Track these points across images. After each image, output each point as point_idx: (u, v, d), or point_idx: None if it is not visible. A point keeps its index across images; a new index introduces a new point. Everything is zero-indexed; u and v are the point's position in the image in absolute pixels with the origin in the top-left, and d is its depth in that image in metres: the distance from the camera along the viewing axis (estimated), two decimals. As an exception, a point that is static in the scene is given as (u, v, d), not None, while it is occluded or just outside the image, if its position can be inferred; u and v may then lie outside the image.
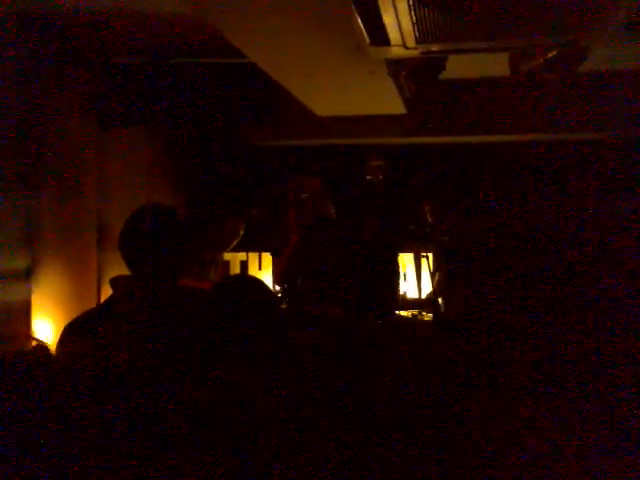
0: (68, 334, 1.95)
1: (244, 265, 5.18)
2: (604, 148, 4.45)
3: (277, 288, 4.42)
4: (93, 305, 3.07)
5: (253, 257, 5.18)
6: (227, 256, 5.02)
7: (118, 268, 2.11)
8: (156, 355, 1.76)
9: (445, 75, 3.38)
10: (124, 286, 2.02)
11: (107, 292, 2.11)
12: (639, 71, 3.89)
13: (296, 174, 3.91)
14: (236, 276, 3.24)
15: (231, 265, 5.09)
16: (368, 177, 4.74)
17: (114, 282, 2.04)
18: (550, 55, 2.79)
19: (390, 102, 3.86)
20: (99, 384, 1.70)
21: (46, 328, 3.03)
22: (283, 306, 3.81)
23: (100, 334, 1.83)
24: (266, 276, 5.03)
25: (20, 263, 2.96)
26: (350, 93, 3.84)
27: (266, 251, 5.04)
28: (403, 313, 4.33)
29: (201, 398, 1.59)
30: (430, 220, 4.27)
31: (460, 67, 3.57)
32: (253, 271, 5.13)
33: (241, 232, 4.14)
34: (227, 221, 4.16)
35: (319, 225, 3.23)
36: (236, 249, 4.88)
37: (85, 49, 3.64)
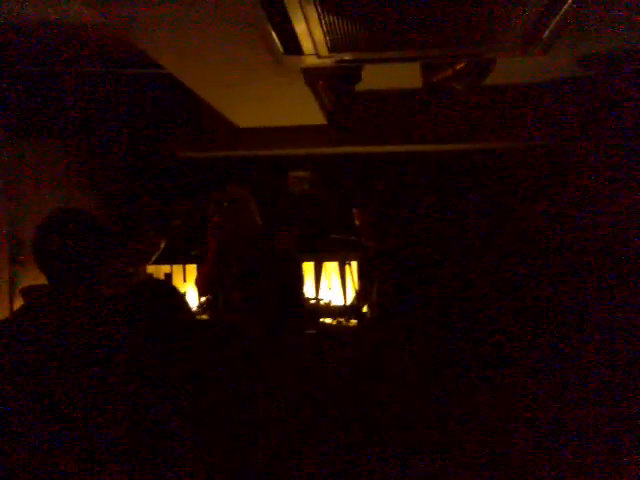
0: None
1: (168, 277, 5.12)
2: (514, 157, 4.66)
3: (202, 300, 4.40)
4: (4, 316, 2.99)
5: (177, 269, 5.13)
6: (150, 268, 4.95)
7: (31, 279, 2.06)
8: (66, 364, 1.73)
9: (362, 86, 3.47)
10: (35, 296, 1.96)
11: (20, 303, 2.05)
12: (541, 83, 4.12)
13: (221, 184, 3.90)
14: (146, 281, 3.21)
15: (155, 277, 5.01)
16: (291, 188, 4.79)
17: (24, 292, 1.99)
18: (459, 66, 2.92)
19: (309, 112, 3.91)
20: (6, 394, 1.67)
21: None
22: (204, 317, 3.80)
23: (7, 344, 1.78)
24: (191, 288, 4.98)
25: None
26: (270, 103, 3.87)
27: (192, 262, 5.00)
28: (328, 320, 4.38)
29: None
30: (357, 227, 4.32)
31: (376, 78, 3.66)
32: (178, 283, 5.07)
33: (162, 244, 4.09)
34: (148, 233, 4.11)
35: (242, 236, 3.25)
36: (160, 261, 4.82)
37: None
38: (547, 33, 2.53)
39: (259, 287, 2.16)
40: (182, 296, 1.91)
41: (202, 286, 3.46)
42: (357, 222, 4.23)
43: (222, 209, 3.30)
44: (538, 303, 4.27)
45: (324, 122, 4.19)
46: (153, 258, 4.16)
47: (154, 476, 1.53)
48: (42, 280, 2.01)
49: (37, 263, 1.96)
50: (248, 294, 2.17)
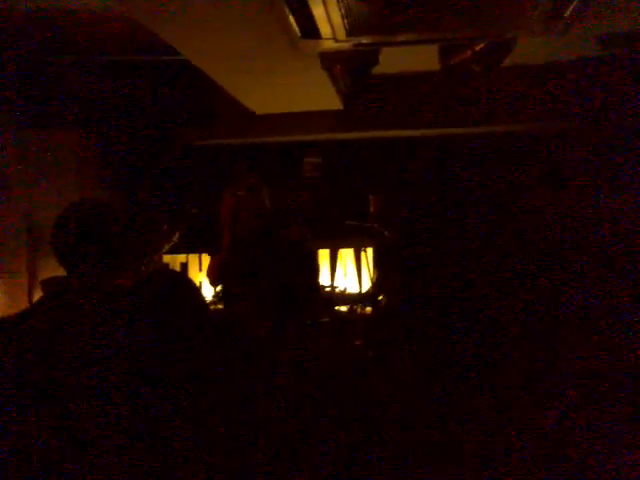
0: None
1: (184, 267, 5.11)
2: (533, 140, 4.58)
3: (218, 289, 4.38)
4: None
5: (193, 258, 5.12)
6: (167, 258, 4.95)
7: (50, 271, 2.05)
8: (85, 358, 1.71)
9: (379, 70, 3.42)
10: (55, 287, 1.95)
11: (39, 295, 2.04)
12: (562, 63, 4.03)
13: (233, 172, 3.89)
14: (162, 271, 3.20)
15: (171, 267, 5.01)
16: (306, 174, 4.75)
17: (44, 283, 1.98)
18: (478, 48, 2.86)
19: (326, 97, 3.87)
20: (21, 388, 1.65)
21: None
22: (220, 306, 3.78)
23: (24, 336, 1.76)
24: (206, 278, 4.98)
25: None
26: (286, 89, 3.84)
27: (205, 251, 4.99)
28: (343, 308, 4.36)
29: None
30: (372, 214, 4.29)
31: (394, 62, 3.61)
32: (194, 273, 5.07)
33: (175, 237, 4.08)
34: (161, 224, 4.09)
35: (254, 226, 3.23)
36: (176, 251, 4.83)
37: (12, 47, 3.54)
38: (569, 11, 2.48)
39: (258, 285, 2.14)
40: (197, 288, 1.89)
41: (213, 276, 3.45)
42: (372, 209, 4.20)
43: (238, 198, 3.28)
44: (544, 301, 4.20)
45: (340, 107, 4.15)
46: (166, 249, 4.14)
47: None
48: (61, 272, 2.00)
49: (56, 255, 1.95)
50: (247, 290, 2.15)
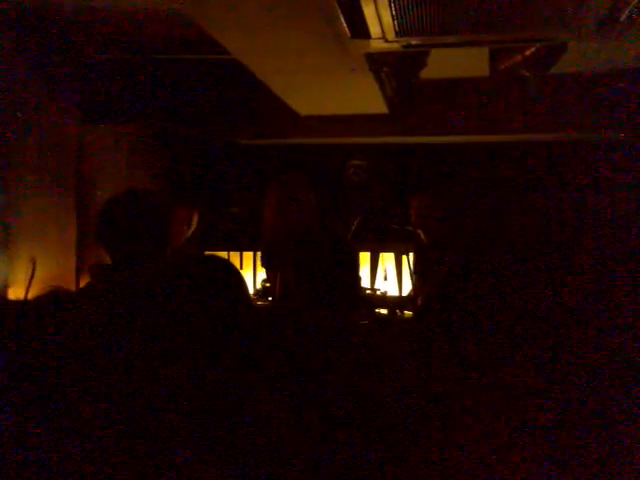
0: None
1: (225, 264, 5.18)
2: (584, 148, 4.50)
3: (258, 287, 4.42)
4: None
5: (234, 256, 5.18)
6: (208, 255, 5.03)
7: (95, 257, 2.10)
8: (129, 343, 1.72)
9: (426, 75, 3.41)
10: (101, 274, 2.00)
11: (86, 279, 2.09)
12: (616, 70, 3.94)
13: (281, 171, 3.91)
14: (201, 256, 3.20)
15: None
16: (350, 177, 4.75)
17: (92, 269, 2.04)
18: (528, 52, 2.84)
19: (372, 101, 3.87)
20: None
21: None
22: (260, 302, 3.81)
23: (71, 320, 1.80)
24: (247, 275, 5.03)
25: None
26: (332, 92, 3.85)
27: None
28: (383, 311, 4.34)
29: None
30: (414, 219, 4.27)
31: (441, 66, 3.59)
32: (234, 270, 5.12)
33: (195, 218, 4.09)
34: (176, 210, 4.09)
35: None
36: (217, 248, 4.90)
37: (67, 44, 3.64)
38: (624, 16, 2.44)
39: (312, 273, 2.12)
40: (238, 272, 1.86)
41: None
42: (414, 213, 4.19)
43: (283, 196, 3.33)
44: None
45: (386, 111, 4.14)
46: (188, 233, 4.13)
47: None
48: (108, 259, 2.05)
49: (101, 242, 1.99)
50: (301, 279, 2.13)
